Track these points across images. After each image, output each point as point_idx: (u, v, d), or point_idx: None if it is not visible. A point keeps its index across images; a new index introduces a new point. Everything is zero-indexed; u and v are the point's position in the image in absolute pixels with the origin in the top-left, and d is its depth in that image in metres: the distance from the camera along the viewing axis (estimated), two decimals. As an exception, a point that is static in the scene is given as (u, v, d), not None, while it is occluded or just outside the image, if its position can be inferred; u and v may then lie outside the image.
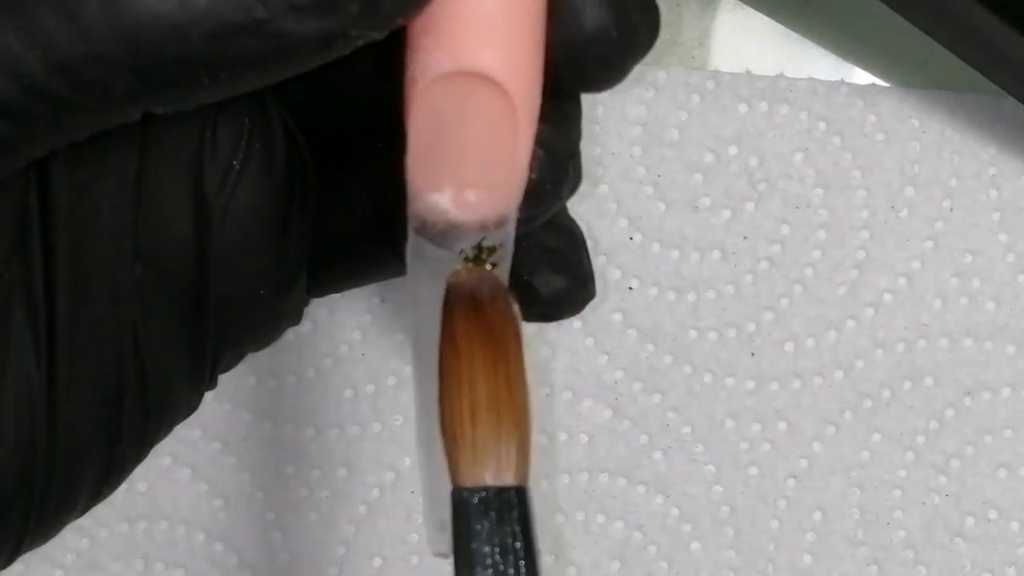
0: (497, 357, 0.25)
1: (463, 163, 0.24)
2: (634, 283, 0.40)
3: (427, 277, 0.25)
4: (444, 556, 0.28)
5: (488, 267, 0.25)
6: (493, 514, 0.24)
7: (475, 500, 0.24)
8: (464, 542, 0.24)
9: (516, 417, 0.25)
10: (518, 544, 0.24)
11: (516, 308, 0.26)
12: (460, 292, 0.25)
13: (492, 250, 0.25)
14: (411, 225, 0.24)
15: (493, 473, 0.24)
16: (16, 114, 0.22)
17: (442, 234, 0.24)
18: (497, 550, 0.24)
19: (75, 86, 0.22)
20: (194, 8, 0.22)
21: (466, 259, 0.25)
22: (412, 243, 0.24)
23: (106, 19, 0.22)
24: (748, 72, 0.40)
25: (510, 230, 0.25)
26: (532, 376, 0.40)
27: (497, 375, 0.25)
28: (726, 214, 0.40)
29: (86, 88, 0.22)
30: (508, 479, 0.25)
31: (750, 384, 0.41)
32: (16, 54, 0.22)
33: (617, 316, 0.40)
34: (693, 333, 0.40)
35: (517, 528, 0.24)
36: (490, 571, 0.24)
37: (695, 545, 0.41)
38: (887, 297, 0.41)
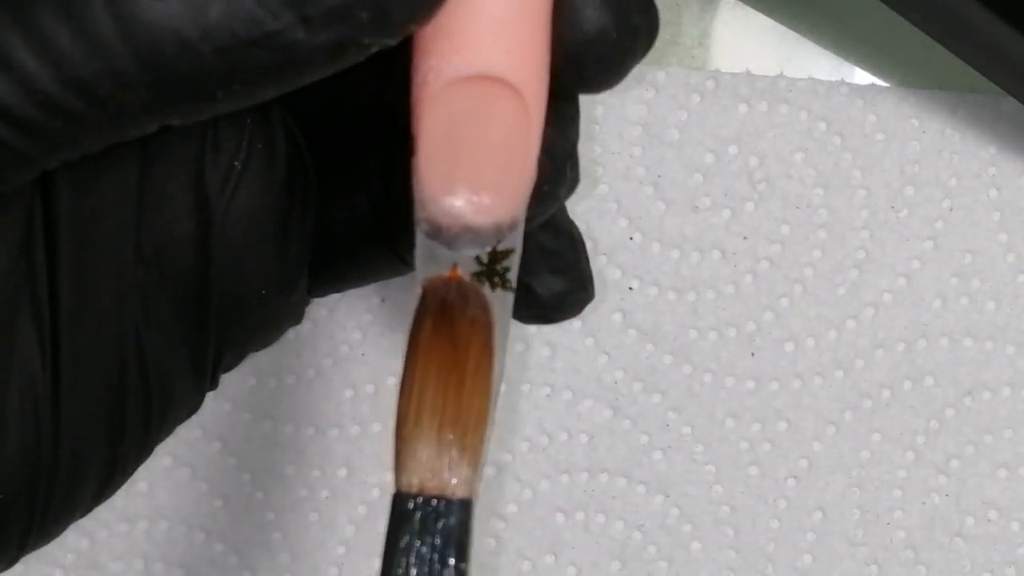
0: (453, 367, 0.25)
1: (478, 166, 0.24)
2: (634, 283, 0.40)
3: None
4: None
5: (501, 270, 0.25)
6: (417, 523, 0.24)
7: (407, 506, 0.24)
8: (388, 546, 0.24)
9: (462, 428, 0.24)
10: (435, 556, 0.24)
11: (492, 319, 0.25)
12: (433, 299, 0.25)
13: (505, 254, 0.25)
14: (421, 229, 0.24)
15: (428, 481, 0.24)
16: (33, 129, 0.22)
17: (456, 238, 0.24)
18: (414, 560, 0.24)
19: (90, 102, 0.22)
20: (206, 23, 0.22)
21: (480, 263, 0.25)
22: (422, 246, 0.24)
23: (119, 36, 0.22)
24: (748, 72, 0.40)
25: (520, 233, 0.25)
26: (525, 381, 0.40)
27: (448, 384, 0.24)
28: (726, 214, 0.40)
29: (101, 104, 0.22)
30: (444, 490, 0.24)
31: (750, 384, 0.41)
32: (32, 71, 0.22)
33: (617, 316, 0.40)
34: (693, 333, 0.41)
35: (438, 541, 0.24)
36: None
37: (695, 545, 0.41)
38: (887, 297, 0.41)
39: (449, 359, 0.25)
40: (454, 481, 0.24)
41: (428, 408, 0.24)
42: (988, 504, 0.41)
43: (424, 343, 0.25)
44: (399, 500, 0.24)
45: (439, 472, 0.24)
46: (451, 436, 0.24)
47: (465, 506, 0.24)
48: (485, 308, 0.25)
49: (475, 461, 0.25)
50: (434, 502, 0.24)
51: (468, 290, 0.25)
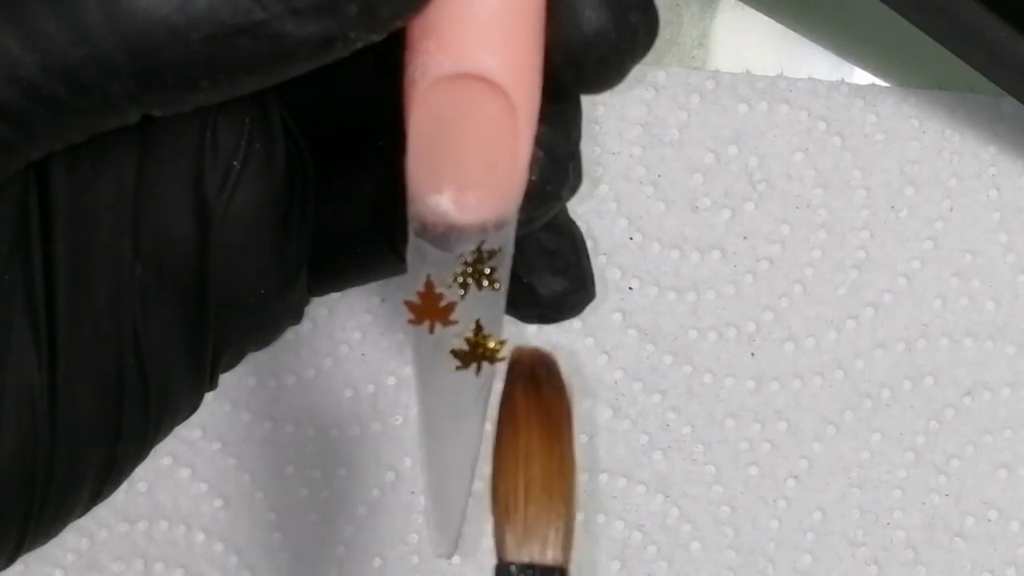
0: (553, 437, 0.26)
1: (463, 165, 0.24)
2: (634, 283, 0.40)
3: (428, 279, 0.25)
4: (445, 557, 0.28)
5: (487, 270, 0.25)
6: None
7: (510, 571, 0.25)
8: None
9: (566, 498, 0.26)
10: None
11: (570, 388, 0.26)
12: (521, 369, 0.26)
13: (492, 253, 0.25)
14: (411, 227, 0.24)
15: (539, 551, 0.25)
16: (15, 117, 0.22)
17: (442, 236, 0.24)
18: None
19: (74, 89, 0.22)
20: (193, 11, 0.22)
21: (465, 263, 0.25)
22: (413, 245, 0.24)
23: (105, 22, 0.22)
24: (748, 72, 0.40)
25: (510, 233, 0.25)
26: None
27: (552, 455, 0.26)
28: (726, 214, 0.40)
29: (85, 91, 0.22)
30: (551, 558, 0.25)
31: (750, 384, 0.41)
32: (15, 58, 0.22)
33: (617, 316, 0.40)
34: (693, 333, 0.41)
35: None
36: None
37: (695, 545, 0.41)
38: (887, 297, 0.41)
39: (548, 431, 0.26)
40: (560, 551, 0.25)
41: (538, 481, 0.26)
42: (988, 504, 0.41)
43: (522, 413, 0.26)
44: (511, 571, 0.25)
45: (549, 543, 0.25)
46: (559, 509, 0.25)
47: (563, 572, 0.26)
48: (563, 376, 0.27)
49: (573, 530, 0.26)
50: (545, 572, 0.25)
51: (550, 359, 0.27)
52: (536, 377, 0.26)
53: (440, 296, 0.25)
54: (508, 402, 0.26)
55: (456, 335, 0.25)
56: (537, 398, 0.26)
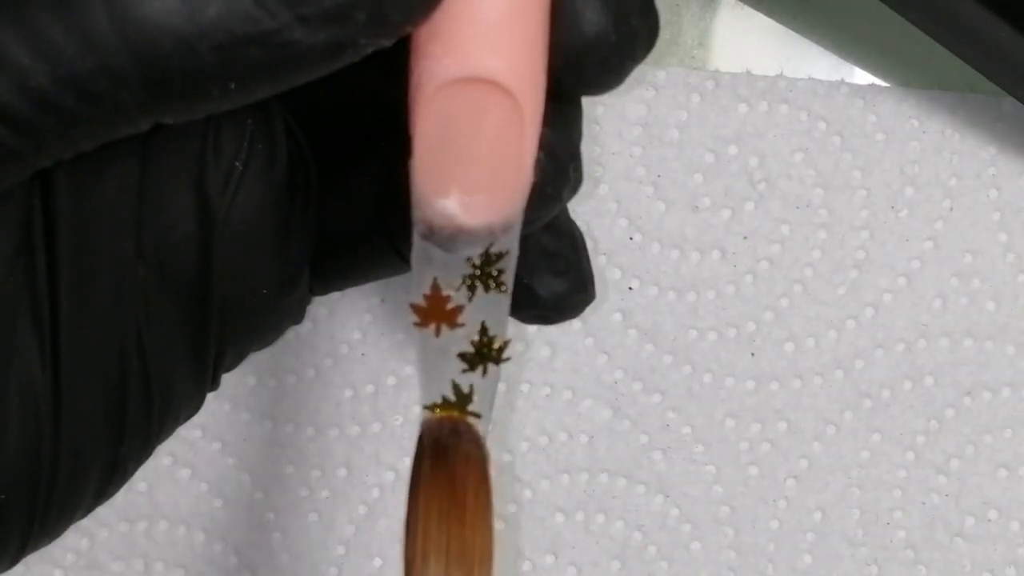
0: (453, 506, 0.25)
1: (471, 168, 0.24)
2: (634, 283, 0.40)
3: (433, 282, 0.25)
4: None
5: (494, 272, 0.25)
6: None
7: None
8: None
9: (467, 565, 0.25)
10: None
11: (486, 453, 0.26)
12: (428, 437, 0.26)
13: (499, 256, 0.25)
14: (417, 230, 0.24)
15: None
16: (25, 126, 0.22)
17: (450, 239, 0.24)
18: None
19: (84, 99, 0.22)
20: (203, 21, 0.22)
21: (473, 265, 0.25)
22: (418, 248, 0.24)
23: (115, 32, 0.22)
24: (748, 72, 0.40)
25: (515, 235, 0.25)
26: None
27: (450, 523, 0.25)
28: (726, 214, 0.40)
29: (95, 101, 0.22)
30: None
31: (750, 384, 0.41)
32: (25, 68, 0.22)
33: (617, 316, 0.40)
34: (693, 333, 0.41)
35: None
36: None
37: (695, 545, 0.41)
38: (887, 297, 0.41)
39: (448, 498, 0.25)
40: None
41: (433, 549, 0.25)
42: (988, 504, 0.41)
43: (423, 484, 0.25)
44: None
45: None
46: (458, 573, 0.25)
47: None
48: (478, 443, 0.26)
49: None
50: None
51: (460, 426, 0.26)
52: (442, 445, 0.25)
53: (447, 299, 0.25)
54: (414, 471, 0.25)
55: (462, 338, 0.25)
56: (442, 467, 0.25)
